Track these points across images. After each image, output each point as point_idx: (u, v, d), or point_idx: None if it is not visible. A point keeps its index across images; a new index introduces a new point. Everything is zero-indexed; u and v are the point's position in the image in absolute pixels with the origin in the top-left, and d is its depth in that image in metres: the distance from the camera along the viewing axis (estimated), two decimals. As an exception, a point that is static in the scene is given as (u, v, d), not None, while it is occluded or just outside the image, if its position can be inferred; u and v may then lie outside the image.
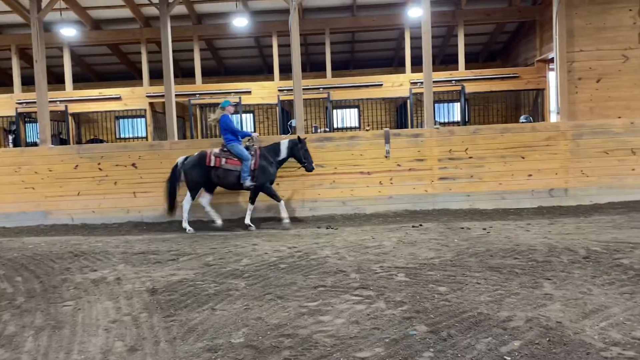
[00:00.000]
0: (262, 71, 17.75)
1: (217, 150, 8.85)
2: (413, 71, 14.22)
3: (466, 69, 14.45)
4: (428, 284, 4.92)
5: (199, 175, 8.70)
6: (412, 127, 14.23)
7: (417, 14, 12.52)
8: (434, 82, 10.49)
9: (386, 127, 12.03)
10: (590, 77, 10.30)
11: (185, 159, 8.92)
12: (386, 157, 9.86)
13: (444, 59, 16.76)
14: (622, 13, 10.29)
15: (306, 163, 8.86)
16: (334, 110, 15.56)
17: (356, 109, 17.04)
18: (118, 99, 15.12)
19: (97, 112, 15.70)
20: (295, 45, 10.03)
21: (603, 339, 3.48)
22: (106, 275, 5.86)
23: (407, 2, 13.50)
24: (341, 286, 4.97)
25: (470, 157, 9.84)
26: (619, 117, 10.10)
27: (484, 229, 7.84)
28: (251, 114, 17.00)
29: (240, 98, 14.33)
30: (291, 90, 11.38)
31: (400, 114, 15.97)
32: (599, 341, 3.45)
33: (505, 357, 3.28)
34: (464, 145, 9.85)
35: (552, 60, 11.56)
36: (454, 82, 14.04)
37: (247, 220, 8.79)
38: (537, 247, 6.36)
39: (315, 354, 3.45)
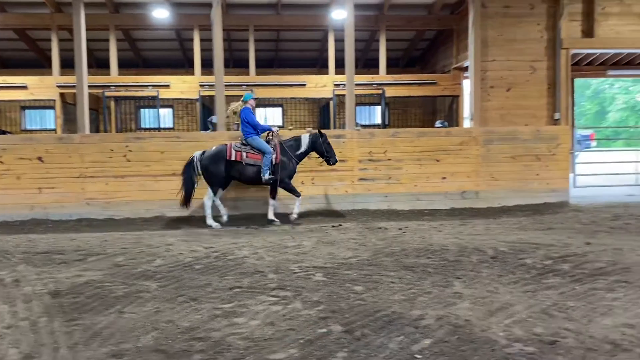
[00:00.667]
0: (182, 65, 17.24)
1: (236, 143, 8.64)
2: (336, 73, 14.37)
3: (387, 73, 14.80)
4: (345, 284, 4.95)
5: (221, 170, 8.46)
6: (334, 128, 14.38)
7: (340, 16, 12.65)
8: (356, 84, 10.64)
9: (309, 127, 12.07)
10: (502, 86, 10.88)
11: (203, 153, 8.61)
12: (308, 157, 9.86)
13: (367, 63, 17.08)
14: (531, 27, 10.95)
15: (328, 157, 8.88)
16: (257, 109, 15.40)
17: (280, 108, 16.98)
18: (24, 87, 14.10)
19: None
20: (218, 40, 9.81)
21: (507, 336, 3.64)
22: (3, 276, 5.41)
23: (331, 3, 13.61)
24: (258, 287, 4.89)
25: (389, 159, 10.05)
26: (526, 125, 10.74)
27: (400, 229, 8.04)
28: (170, 109, 16.46)
29: (158, 92, 13.83)
30: (213, 85, 11.12)
31: (324, 114, 16.09)
32: (503, 338, 3.61)
33: (416, 355, 3.35)
34: (383, 148, 10.05)
35: (467, 68, 12.08)
36: (375, 85, 14.34)
37: (270, 215, 8.73)
38: (449, 247, 6.60)
39: (227, 357, 3.35)
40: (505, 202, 10.26)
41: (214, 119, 11.12)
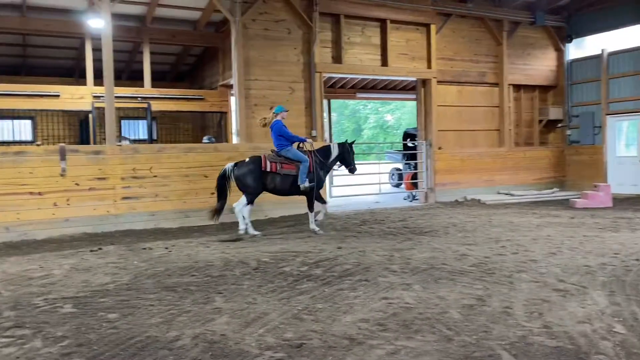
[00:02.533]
0: None
1: (270, 155, 8.89)
2: (96, 84, 13.36)
3: (154, 87, 14.33)
4: (97, 313, 4.59)
5: (256, 180, 8.67)
6: (95, 143, 13.37)
7: (98, 25, 11.84)
8: (119, 97, 10.08)
9: (63, 143, 10.98)
10: (265, 104, 11.41)
11: (235, 164, 8.74)
12: (62, 175, 8.98)
13: (132, 75, 16.27)
14: (289, 50, 11.76)
15: (351, 166, 9.37)
16: (1, 120, 13.46)
17: (30, 121, 15.08)
18: None
19: None
20: (-60, 40, 8.31)
21: (259, 345, 3.79)
22: None
23: (87, 10, 12.65)
24: (-12, 329, 4.22)
25: (154, 176, 9.75)
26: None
27: (167, 248, 7.83)
28: None
29: None
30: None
31: (84, 128, 14.81)
32: (255, 348, 3.74)
33: (167, 379, 3.26)
34: (148, 164, 9.71)
35: (232, 86, 12.40)
36: (139, 99, 13.76)
37: (312, 226, 9.04)
38: (214, 263, 6.64)
39: None
40: (271, 214, 10.78)
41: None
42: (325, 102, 17.02)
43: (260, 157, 8.78)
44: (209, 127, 15.88)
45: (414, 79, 13.81)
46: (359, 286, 5.39)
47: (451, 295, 4.98)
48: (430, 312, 4.50)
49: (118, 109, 11.01)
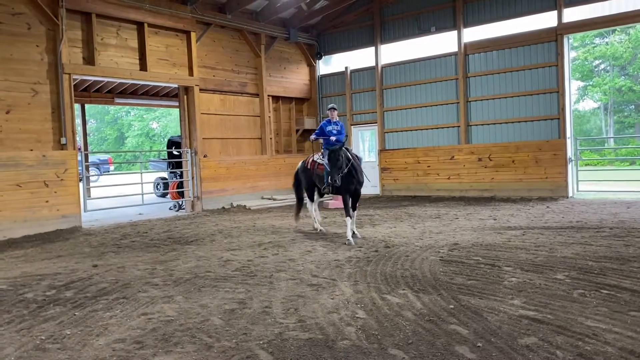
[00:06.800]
0: None
1: (317, 155, 9.11)
2: None
3: None
4: None
5: (305, 177, 9.24)
6: None
7: None
8: None
9: None
10: (1, 107, 9.89)
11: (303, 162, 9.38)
12: None
13: None
14: (31, 48, 10.39)
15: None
16: None
17: None
18: None
19: None
20: None
21: (-13, 388, 3.22)
22: None
23: None
24: None
25: None
26: (31, 150, 10.13)
27: None
28: None
29: None
30: None
31: None
32: (-18, 392, 3.18)
33: None
34: None
35: (-43, 85, 10.45)
36: None
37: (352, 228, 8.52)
38: None
39: None
40: (11, 234, 9.41)
41: None
42: (78, 107, 15.58)
43: (310, 156, 9.34)
44: None
45: (176, 85, 13.54)
46: (115, 305, 5.02)
47: (214, 302, 4.98)
48: (191, 322, 4.42)
49: None
